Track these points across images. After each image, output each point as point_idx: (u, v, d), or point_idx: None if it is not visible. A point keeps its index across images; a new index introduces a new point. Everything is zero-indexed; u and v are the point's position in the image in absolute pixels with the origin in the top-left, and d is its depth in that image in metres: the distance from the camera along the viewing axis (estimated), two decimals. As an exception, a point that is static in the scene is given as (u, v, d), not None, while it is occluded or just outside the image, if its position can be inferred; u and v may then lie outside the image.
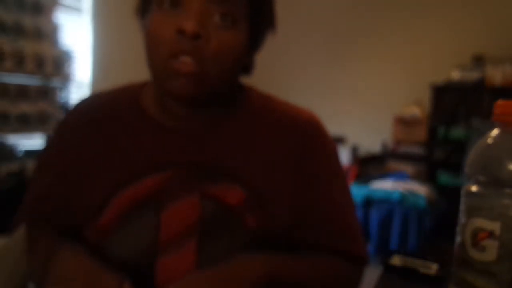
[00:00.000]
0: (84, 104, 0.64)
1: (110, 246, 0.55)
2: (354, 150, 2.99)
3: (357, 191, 2.71)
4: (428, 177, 3.27)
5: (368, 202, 2.67)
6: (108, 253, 0.54)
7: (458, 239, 0.40)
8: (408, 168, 3.25)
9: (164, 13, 0.51)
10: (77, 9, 2.85)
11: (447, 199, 2.83)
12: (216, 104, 0.59)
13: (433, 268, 0.66)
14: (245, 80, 0.64)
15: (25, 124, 2.17)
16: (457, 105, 3.18)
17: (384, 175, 3.07)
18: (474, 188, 0.39)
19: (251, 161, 0.58)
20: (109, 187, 0.56)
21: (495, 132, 0.38)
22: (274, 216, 0.57)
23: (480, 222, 0.37)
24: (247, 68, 0.60)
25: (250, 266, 0.52)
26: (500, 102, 0.38)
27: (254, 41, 0.57)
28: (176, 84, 0.51)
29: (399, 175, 3.01)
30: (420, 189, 2.65)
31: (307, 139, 0.60)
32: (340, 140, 4.01)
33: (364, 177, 3.04)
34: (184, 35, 0.49)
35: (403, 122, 3.51)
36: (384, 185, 2.73)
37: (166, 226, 0.54)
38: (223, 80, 0.55)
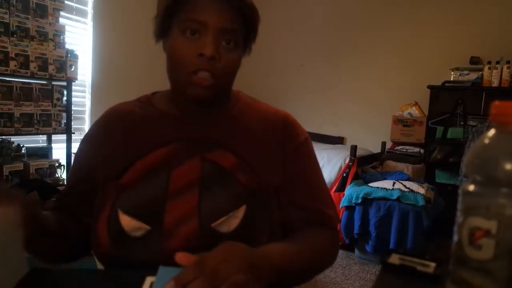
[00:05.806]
0: (113, 107, 0.84)
1: (128, 196, 0.70)
2: (354, 150, 3.00)
3: (357, 190, 2.72)
4: (427, 177, 3.29)
5: (367, 201, 2.67)
6: (125, 202, 0.69)
7: (455, 237, 0.40)
8: (406, 167, 3.26)
9: (186, 39, 0.70)
10: (79, 12, 2.87)
11: (445, 199, 2.85)
12: (218, 102, 0.77)
13: (431, 266, 0.67)
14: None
15: (29, 124, 2.19)
16: (455, 106, 3.19)
17: (383, 174, 3.08)
18: (471, 188, 0.39)
19: (241, 137, 0.76)
20: (130, 158, 0.73)
21: (491, 132, 0.39)
22: (261, 177, 0.74)
23: (477, 221, 0.38)
24: None
25: (270, 258, 0.61)
26: (496, 103, 0.38)
27: (244, 50, 0.78)
28: (196, 92, 0.71)
29: (398, 175, 3.02)
30: (419, 189, 2.65)
31: (286, 126, 0.79)
32: (339, 139, 4.01)
33: (363, 176, 3.05)
34: (204, 57, 0.68)
35: (402, 122, 3.52)
36: (383, 185, 2.74)
37: (175, 180, 0.71)
38: (228, 86, 0.77)
